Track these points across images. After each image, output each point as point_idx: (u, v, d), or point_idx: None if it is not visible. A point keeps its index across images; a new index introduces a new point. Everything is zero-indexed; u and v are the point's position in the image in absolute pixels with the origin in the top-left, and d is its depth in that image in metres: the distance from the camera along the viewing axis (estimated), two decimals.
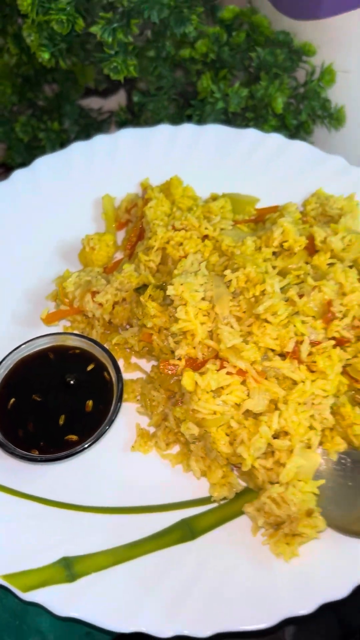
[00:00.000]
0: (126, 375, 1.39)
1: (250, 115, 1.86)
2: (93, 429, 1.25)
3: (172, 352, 1.28)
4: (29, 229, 1.57)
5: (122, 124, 1.99)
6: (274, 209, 1.54)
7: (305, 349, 1.23)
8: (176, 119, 1.91)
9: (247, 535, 1.17)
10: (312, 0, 1.80)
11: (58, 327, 1.46)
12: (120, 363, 1.40)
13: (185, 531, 1.19)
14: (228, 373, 1.21)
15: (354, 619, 1.23)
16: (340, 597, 1.06)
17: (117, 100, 2.16)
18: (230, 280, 1.29)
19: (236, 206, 1.57)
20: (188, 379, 1.20)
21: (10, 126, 2.09)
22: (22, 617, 1.19)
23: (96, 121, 2.19)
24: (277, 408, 1.19)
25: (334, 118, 1.89)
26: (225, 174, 1.65)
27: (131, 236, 1.55)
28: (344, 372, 1.27)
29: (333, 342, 1.24)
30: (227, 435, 1.20)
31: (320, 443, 1.24)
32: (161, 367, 1.27)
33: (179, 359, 1.25)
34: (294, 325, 1.24)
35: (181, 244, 1.41)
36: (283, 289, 1.29)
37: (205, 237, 1.43)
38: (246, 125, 1.82)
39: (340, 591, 1.06)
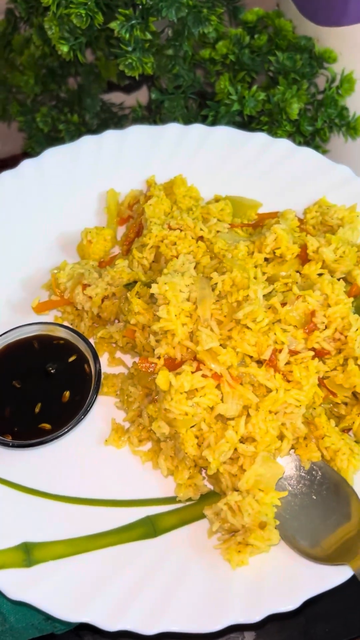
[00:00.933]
0: (109, 370, 1.41)
1: (265, 119, 1.85)
2: (67, 419, 1.27)
3: (153, 350, 1.28)
4: (32, 218, 1.60)
5: (139, 121, 2.00)
6: (274, 215, 1.53)
7: (283, 357, 1.22)
8: (191, 119, 1.92)
9: (207, 539, 1.18)
10: (336, 7, 1.78)
11: (49, 317, 1.48)
12: (105, 357, 1.42)
13: (148, 528, 1.20)
14: (203, 375, 1.21)
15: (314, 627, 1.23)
16: (289, 609, 1.05)
17: (137, 99, 2.18)
18: (216, 283, 1.29)
19: (238, 209, 1.56)
20: (162, 378, 1.21)
21: (31, 116, 2.12)
22: None
23: (116, 116, 2.21)
24: (248, 414, 1.19)
25: (351, 127, 1.87)
26: (231, 176, 1.64)
27: (130, 232, 1.56)
28: (322, 384, 1.26)
29: (312, 353, 1.23)
30: (197, 437, 1.20)
31: (293, 448, 1.23)
32: (140, 364, 1.28)
33: (158, 357, 1.26)
34: (274, 333, 1.23)
35: (175, 243, 1.41)
36: (267, 296, 1.28)
37: (200, 238, 1.43)
38: (260, 129, 1.81)
39: (290, 604, 1.06)
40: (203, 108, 1.94)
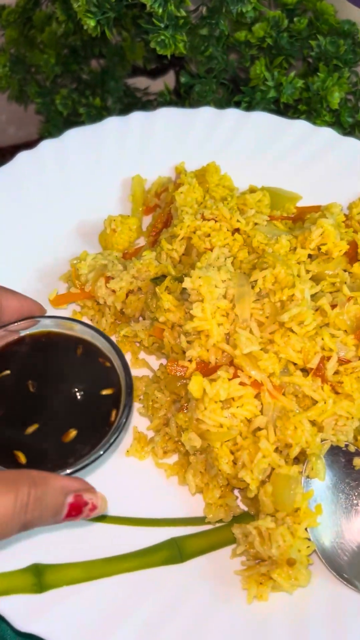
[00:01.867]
0: (132, 372, 1.27)
1: (303, 107, 1.72)
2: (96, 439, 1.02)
3: (183, 352, 1.15)
4: (51, 203, 1.47)
5: (166, 106, 1.86)
6: (316, 208, 1.40)
7: (332, 366, 1.09)
8: (223, 105, 1.78)
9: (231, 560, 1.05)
10: None
11: (67, 311, 1.35)
12: (128, 357, 1.28)
13: (174, 552, 1.07)
14: (241, 383, 1.08)
15: None
16: None
17: (165, 82, 2.05)
18: (256, 280, 1.16)
19: (275, 201, 1.43)
20: (196, 385, 1.07)
21: (50, 98, 2.00)
22: None
23: (140, 101, 2.08)
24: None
25: None
26: (268, 166, 1.51)
27: (157, 222, 1.43)
28: None
29: None
30: (232, 453, 1.07)
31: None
32: (169, 367, 1.15)
33: (190, 360, 1.13)
34: (322, 339, 1.10)
35: (209, 235, 1.28)
36: (314, 297, 1.15)
37: (236, 230, 1.30)
38: (297, 119, 1.68)
39: None
40: (235, 95, 1.81)
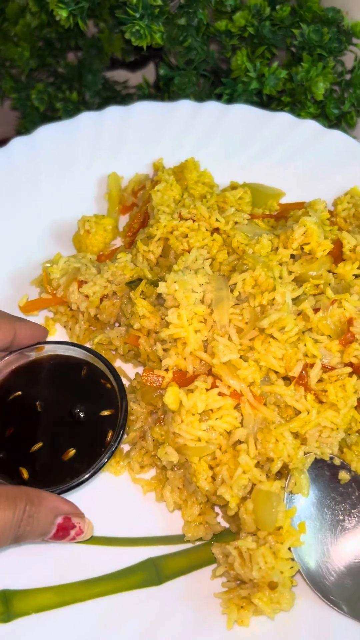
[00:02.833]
0: None
1: (286, 99, 1.66)
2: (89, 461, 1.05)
3: (160, 360, 1.09)
4: (22, 203, 1.40)
5: (145, 100, 1.80)
6: (300, 205, 1.34)
7: (315, 374, 1.03)
8: (204, 97, 1.72)
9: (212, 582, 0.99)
10: None
11: (39, 318, 1.28)
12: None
13: (151, 573, 1.01)
14: (220, 394, 1.02)
15: None
16: None
17: (143, 75, 1.98)
18: (235, 284, 1.10)
19: (257, 198, 1.37)
20: (172, 396, 1.01)
21: (26, 93, 1.92)
22: None
23: (120, 94, 2.01)
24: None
25: None
26: (250, 161, 1.45)
27: (134, 222, 1.36)
28: (358, 407, 1.07)
29: (349, 369, 1.04)
30: (211, 468, 1.01)
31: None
32: (144, 376, 1.08)
33: (166, 369, 1.07)
34: (305, 345, 1.04)
35: (186, 235, 1.22)
36: (296, 300, 1.09)
37: (216, 230, 1.24)
38: (281, 111, 1.61)
39: None
40: (217, 87, 1.74)
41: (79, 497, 1.07)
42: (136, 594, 0.98)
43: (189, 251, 1.19)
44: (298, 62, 1.66)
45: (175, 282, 1.07)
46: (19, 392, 1.12)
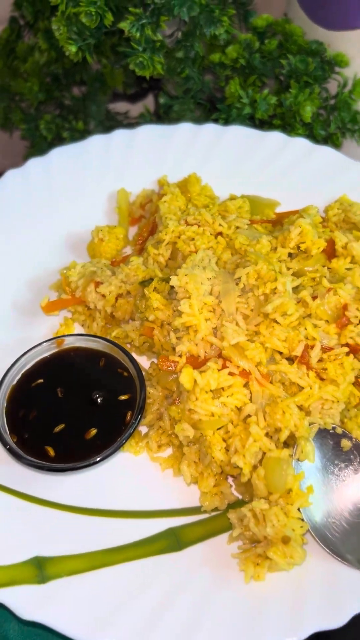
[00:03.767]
0: None
1: (277, 122, 1.81)
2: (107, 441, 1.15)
3: (173, 349, 1.19)
4: (39, 218, 1.52)
5: None
6: (294, 212, 1.46)
7: (315, 354, 1.14)
8: (201, 122, 1.87)
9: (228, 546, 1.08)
10: (349, 10, 1.76)
11: (58, 318, 1.39)
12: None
13: (172, 541, 1.09)
14: (230, 373, 1.12)
15: None
16: (335, 627, 0.94)
17: (144, 105, 2.13)
18: (240, 278, 1.21)
19: (255, 208, 1.50)
20: (186, 376, 1.11)
21: (35, 124, 2.07)
22: None
23: (122, 124, 2.16)
24: None
25: None
26: (246, 176, 1.58)
27: (143, 231, 1.48)
28: (357, 384, 1.17)
29: (346, 349, 1.15)
30: (224, 440, 1.10)
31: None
32: (160, 362, 1.19)
33: (180, 355, 1.17)
34: (305, 328, 1.15)
35: (193, 239, 1.33)
36: (296, 290, 1.21)
37: (219, 234, 1.36)
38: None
39: (335, 621, 0.95)
40: (212, 113, 1.89)
41: (102, 475, 1.16)
42: (159, 559, 1.07)
43: (195, 252, 1.31)
44: (286, 89, 1.82)
45: (186, 275, 1.18)
46: (41, 380, 1.22)
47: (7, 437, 1.14)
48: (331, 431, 1.11)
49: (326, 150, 1.59)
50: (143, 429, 1.23)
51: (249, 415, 1.11)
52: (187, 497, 1.14)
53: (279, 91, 1.87)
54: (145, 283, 1.30)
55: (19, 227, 1.50)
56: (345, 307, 1.17)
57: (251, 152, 1.60)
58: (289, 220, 1.38)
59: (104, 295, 1.32)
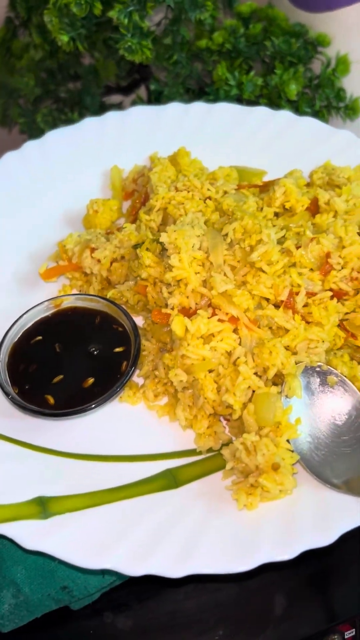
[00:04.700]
0: None
1: (263, 101, 1.88)
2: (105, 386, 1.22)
3: (166, 304, 1.25)
4: (37, 197, 1.59)
5: None
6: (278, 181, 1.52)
7: (301, 299, 1.19)
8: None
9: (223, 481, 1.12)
10: None
11: (57, 285, 1.45)
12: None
13: (169, 480, 1.14)
14: (220, 320, 1.18)
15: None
16: (324, 544, 0.99)
17: (137, 94, 2.21)
18: (227, 234, 1.27)
19: (242, 177, 1.56)
20: (178, 324, 1.17)
21: (32, 118, 2.15)
22: None
23: None
24: None
25: (349, 108, 1.89)
26: (234, 149, 1.65)
27: (136, 203, 1.55)
28: (341, 327, 1.22)
29: (330, 293, 1.20)
30: (216, 382, 1.16)
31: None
32: (154, 315, 1.24)
33: (172, 308, 1.23)
34: (290, 276, 1.21)
35: (182, 204, 1.40)
36: (280, 240, 1.26)
37: (208, 198, 1.42)
38: None
39: (324, 539, 0.99)
40: (201, 97, 1.96)
41: (103, 422, 1.22)
42: (158, 496, 1.11)
43: (185, 215, 1.37)
44: (272, 71, 1.89)
45: (175, 231, 1.24)
46: (40, 337, 1.28)
47: (9, 388, 1.20)
48: (317, 369, 1.16)
49: (309, 121, 1.65)
50: (140, 380, 1.28)
51: (239, 358, 1.16)
52: (183, 441, 1.19)
53: (265, 73, 1.95)
54: (138, 246, 1.36)
55: (18, 204, 1.57)
56: (328, 255, 1.22)
57: (238, 126, 1.67)
58: (275, 183, 1.44)
59: (99, 260, 1.39)
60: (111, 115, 1.71)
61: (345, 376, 1.15)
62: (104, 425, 1.22)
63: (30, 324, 1.31)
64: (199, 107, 1.71)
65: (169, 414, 1.23)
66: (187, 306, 1.22)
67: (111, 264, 1.39)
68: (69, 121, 2.10)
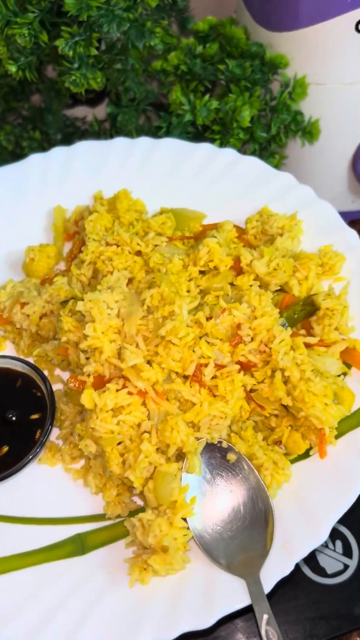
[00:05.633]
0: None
1: (217, 127, 1.85)
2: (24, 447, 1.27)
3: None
4: None
5: (95, 135, 2.01)
6: (215, 226, 1.52)
7: (209, 372, 1.22)
8: (145, 130, 1.92)
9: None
10: (288, 11, 1.77)
11: None
12: (45, 373, 1.42)
13: (77, 546, 1.20)
14: (129, 393, 1.21)
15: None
16: (203, 627, 1.05)
17: (94, 113, 2.19)
18: (145, 299, 1.29)
19: (181, 222, 1.56)
20: (87, 397, 1.21)
21: None
22: None
23: (80, 130, 2.23)
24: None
25: (307, 132, 1.85)
26: (177, 188, 1.64)
27: (74, 248, 1.57)
28: (250, 398, 1.25)
29: (238, 366, 1.23)
30: (122, 455, 1.20)
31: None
32: (69, 381, 1.28)
33: (88, 375, 1.26)
34: (200, 348, 1.23)
35: (111, 259, 1.41)
36: (193, 310, 1.28)
37: (138, 253, 1.43)
38: (213, 139, 1.80)
39: (204, 622, 1.05)
40: (158, 120, 1.94)
41: (21, 486, 1.28)
42: (63, 563, 1.18)
43: (112, 272, 1.39)
44: (228, 93, 1.85)
45: (90, 300, 1.27)
46: None
47: None
48: (218, 445, 1.20)
49: (252, 161, 1.63)
50: (60, 442, 1.34)
51: (146, 432, 1.20)
52: (94, 505, 1.25)
53: (223, 95, 1.91)
54: (64, 304, 1.39)
55: None
56: (238, 327, 1.24)
57: (181, 165, 1.65)
58: (204, 235, 1.44)
59: (28, 315, 1.42)
60: (56, 152, 1.71)
61: (244, 454, 1.18)
62: (23, 486, 1.28)
63: None
64: (144, 143, 1.70)
65: (83, 477, 1.28)
66: (102, 374, 1.26)
67: (40, 318, 1.43)
68: (32, 139, 2.10)
